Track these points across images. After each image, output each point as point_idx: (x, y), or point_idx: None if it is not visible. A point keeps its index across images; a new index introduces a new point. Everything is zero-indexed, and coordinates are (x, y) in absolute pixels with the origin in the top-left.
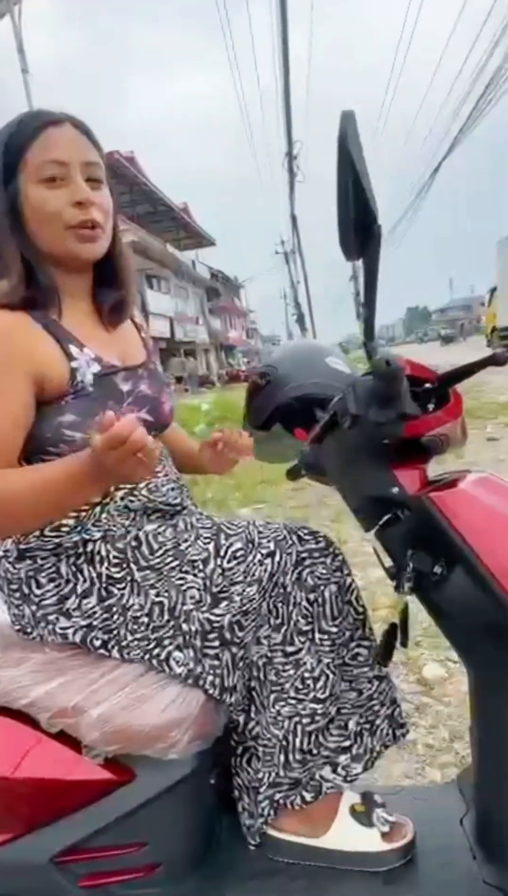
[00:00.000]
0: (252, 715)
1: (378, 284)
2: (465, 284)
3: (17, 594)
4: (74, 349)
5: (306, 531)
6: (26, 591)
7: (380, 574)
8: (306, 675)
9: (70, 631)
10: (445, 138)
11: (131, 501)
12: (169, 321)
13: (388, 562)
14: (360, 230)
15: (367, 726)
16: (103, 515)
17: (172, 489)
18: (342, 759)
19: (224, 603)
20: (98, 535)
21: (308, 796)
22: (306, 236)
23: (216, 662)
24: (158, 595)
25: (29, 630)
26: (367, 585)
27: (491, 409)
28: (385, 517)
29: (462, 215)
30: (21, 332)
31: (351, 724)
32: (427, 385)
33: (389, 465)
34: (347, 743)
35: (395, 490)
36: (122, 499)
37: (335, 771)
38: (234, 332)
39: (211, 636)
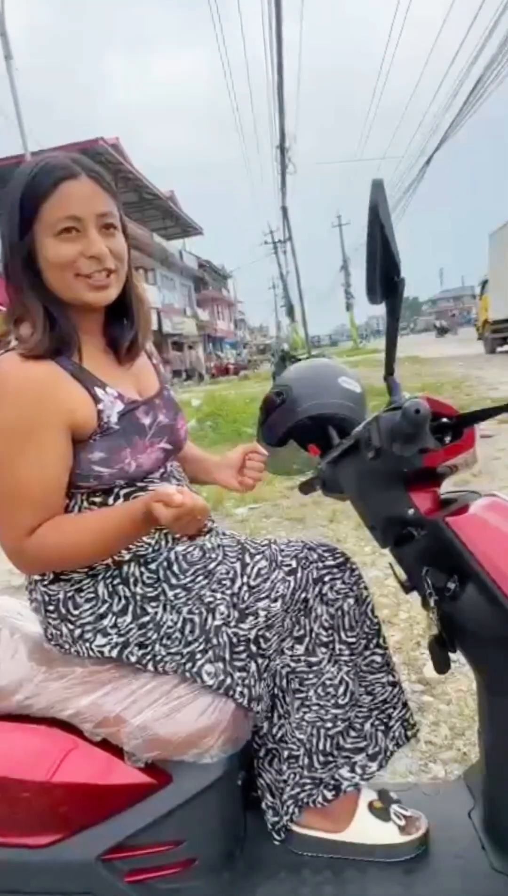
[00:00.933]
0: (275, 720)
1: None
2: (456, 275)
3: (55, 614)
4: (98, 391)
5: (324, 548)
6: (63, 611)
7: (376, 574)
8: (328, 682)
9: (106, 648)
10: (437, 130)
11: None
12: (156, 313)
13: (403, 575)
14: (385, 281)
15: (381, 728)
16: None
17: None
18: (359, 758)
19: (251, 618)
20: (128, 556)
21: (329, 794)
22: (296, 226)
23: (245, 674)
24: (189, 612)
25: (66, 647)
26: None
27: (484, 405)
28: (401, 535)
29: (454, 206)
30: (54, 383)
31: (367, 726)
32: (445, 420)
33: (405, 489)
34: (363, 743)
35: (411, 512)
36: None
37: (352, 770)
38: (222, 324)
39: (239, 649)
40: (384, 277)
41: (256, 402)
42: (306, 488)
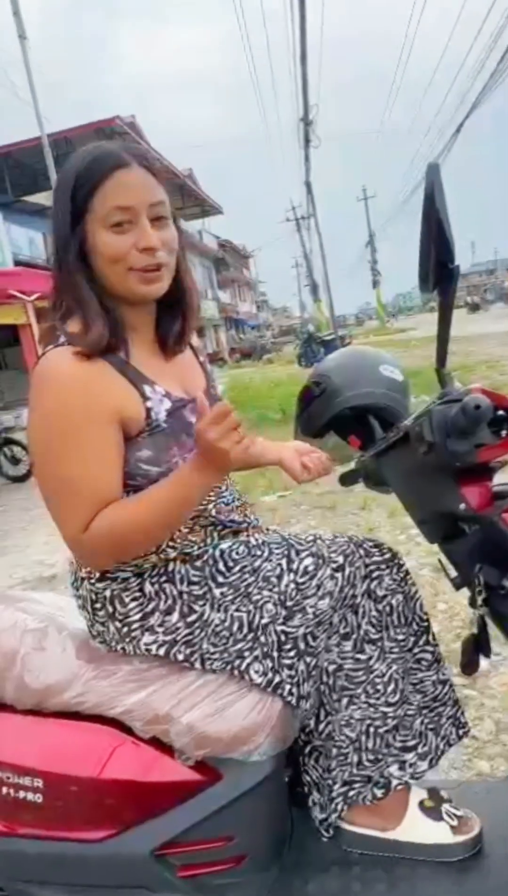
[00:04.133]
0: (321, 717)
1: (402, 255)
2: (488, 247)
3: (102, 612)
4: (147, 389)
5: (371, 544)
6: (111, 609)
7: (411, 564)
8: (377, 680)
9: (154, 646)
10: (468, 95)
11: (200, 520)
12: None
13: (452, 572)
14: (438, 268)
15: (432, 727)
16: (176, 535)
17: (237, 507)
18: (409, 757)
19: (299, 616)
20: (173, 553)
21: (379, 792)
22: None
23: (293, 672)
24: (237, 610)
25: (113, 644)
26: None
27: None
28: (451, 531)
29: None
30: (104, 381)
31: (416, 724)
32: (502, 412)
33: (456, 483)
34: (413, 742)
35: (462, 507)
36: (192, 519)
37: (402, 768)
38: (244, 305)
39: (287, 647)
40: (438, 264)
41: (280, 387)
42: (347, 480)
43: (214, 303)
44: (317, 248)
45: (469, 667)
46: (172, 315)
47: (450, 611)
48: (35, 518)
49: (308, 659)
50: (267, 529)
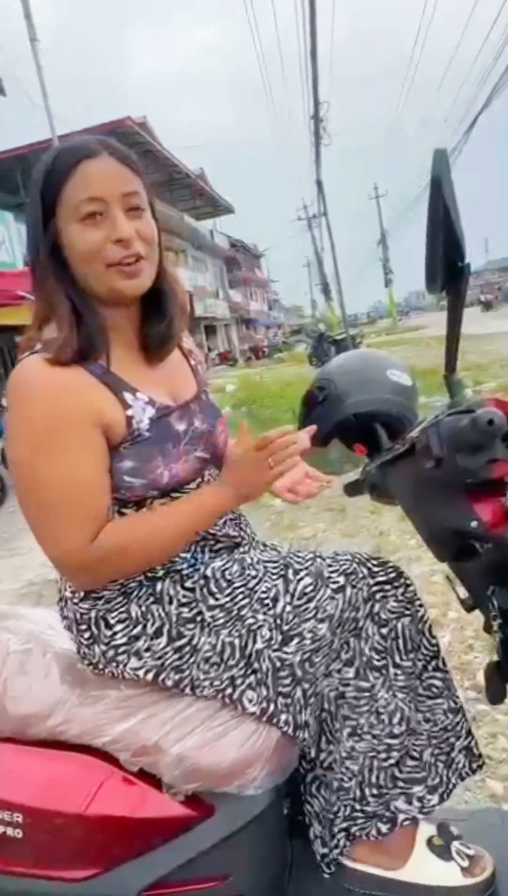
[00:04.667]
0: (323, 746)
1: (412, 252)
2: (502, 244)
3: (87, 634)
4: (128, 396)
5: (375, 562)
6: (95, 631)
7: (422, 570)
8: (381, 710)
9: (141, 671)
10: (480, 91)
11: None
12: (188, 296)
13: (463, 593)
14: (447, 266)
15: (442, 758)
16: None
17: (231, 519)
18: (417, 790)
19: (295, 641)
20: (162, 572)
21: (384, 828)
22: (330, 199)
23: (289, 700)
24: (228, 635)
25: (100, 668)
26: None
27: None
28: (462, 549)
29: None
30: (80, 387)
31: (426, 756)
32: None
33: (467, 498)
34: (422, 774)
35: (474, 524)
36: None
37: (409, 802)
38: (255, 304)
39: (283, 674)
40: (447, 262)
41: (292, 387)
42: (351, 490)
43: (224, 302)
44: (328, 246)
45: (495, 696)
46: (158, 317)
47: (462, 620)
48: None
49: (306, 685)
50: (264, 545)
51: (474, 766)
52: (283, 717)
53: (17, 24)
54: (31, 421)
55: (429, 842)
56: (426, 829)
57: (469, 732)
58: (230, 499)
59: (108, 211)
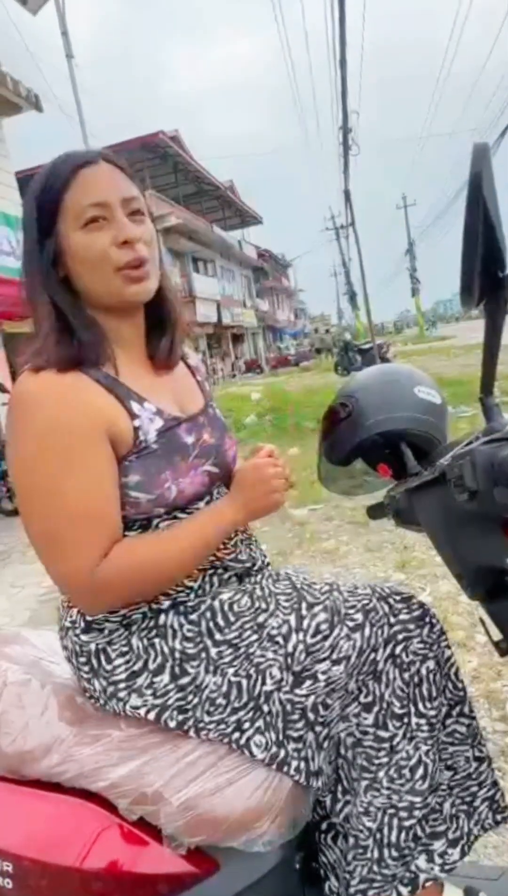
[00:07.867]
0: (339, 795)
1: (444, 257)
2: None
3: (87, 667)
4: (135, 406)
5: (398, 597)
6: (95, 664)
7: (449, 588)
8: (403, 763)
9: (142, 710)
10: None
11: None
12: (216, 305)
13: (497, 634)
14: (486, 276)
15: (464, 808)
16: None
17: (242, 541)
18: (437, 845)
19: (308, 682)
20: (167, 603)
21: (405, 891)
22: (358, 209)
23: (300, 745)
24: (235, 674)
25: (101, 703)
26: (437, 602)
27: None
28: (497, 587)
29: None
30: (83, 393)
31: (446, 807)
32: None
33: (503, 533)
34: (442, 827)
35: None
36: None
37: (430, 860)
38: (282, 313)
39: (294, 718)
40: (485, 273)
41: (318, 395)
42: (374, 514)
43: (251, 311)
44: (356, 256)
45: None
46: (162, 324)
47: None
48: None
49: (319, 729)
50: (277, 574)
51: (498, 817)
52: (294, 763)
53: (55, 41)
54: (38, 430)
55: None
56: (451, 892)
57: (496, 783)
58: (241, 512)
59: (111, 215)
